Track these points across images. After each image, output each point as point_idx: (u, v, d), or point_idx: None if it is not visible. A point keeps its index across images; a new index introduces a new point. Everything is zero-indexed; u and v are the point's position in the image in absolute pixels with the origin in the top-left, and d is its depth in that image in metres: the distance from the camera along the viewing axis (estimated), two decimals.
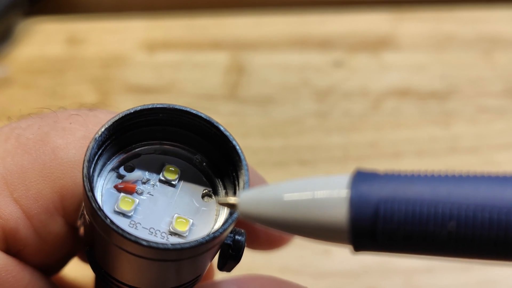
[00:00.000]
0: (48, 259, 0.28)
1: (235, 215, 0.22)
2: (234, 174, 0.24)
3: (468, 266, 0.45)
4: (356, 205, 0.20)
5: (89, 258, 0.26)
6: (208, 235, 0.22)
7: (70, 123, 0.27)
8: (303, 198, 0.21)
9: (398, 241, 0.20)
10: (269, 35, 0.59)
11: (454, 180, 0.20)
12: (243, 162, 0.24)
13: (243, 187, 0.23)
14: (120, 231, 0.21)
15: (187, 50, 0.58)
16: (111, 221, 0.21)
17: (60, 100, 0.53)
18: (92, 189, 0.22)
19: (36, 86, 0.54)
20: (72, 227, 0.27)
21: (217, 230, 0.22)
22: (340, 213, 0.20)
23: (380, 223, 0.20)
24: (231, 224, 0.22)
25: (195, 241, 0.21)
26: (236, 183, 0.24)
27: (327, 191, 0.21)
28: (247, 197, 0.21)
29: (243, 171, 0.23)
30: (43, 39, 0.57)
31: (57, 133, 0.26)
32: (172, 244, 0.21)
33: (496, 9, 0.62)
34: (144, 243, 0.21)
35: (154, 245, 0.21)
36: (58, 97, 0.53)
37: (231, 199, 0.22)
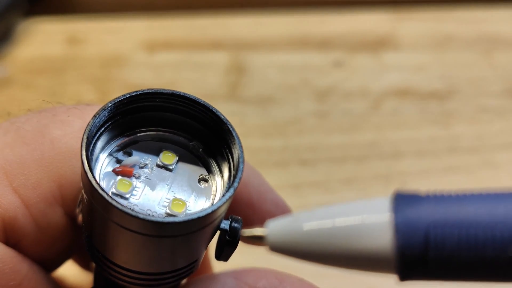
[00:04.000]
0: (47, 251, 0.28)
1: (230, 193, 0.23)
2: (230, 157, 0.25)
3: None
4: (403, 230, 0.18)
5: (87, 245, 0.26)
6: (203, 210, 0.22)
7: (68, 116, 0.27)
8: (341, 225, 0.19)
9: (452, 268, 0.18)
10: (269, 35, 0.59)
11: (510, 198, 0.18)
12: (237, 140, 0.24)
13: (237, 165, 0.24)
14: (118, 205, 0.21)
15: (187, 50, 0.58)
16: (109, 195, 0.22)
17: (60, 100, 0.53)
18: (90, 166, 0.22)
19: (36, 86, 0.54)
20: (71, 219, 0.28)
21: (212, 206, 0.22)
22: (384, 240, 0.18)
23: (432, 249, 0.18)
24: (226, 201, 0.23)
25: (191, 215, 0.22)
26: (232, 166, 0.25)
27: (367, 216, 0.19)
28: (276, 228, 0.19)
29: (238, 152, 0.24)
30: (43, 39, 0.57)
31: (55, 125, 0.27)
32: (168, 217, 0.22)
33: (496, 9, 0.62)
34: (141, 216, 0.21)
35: (151, 218, 0.21)
36: (58, 97, 0.53)
37: (258, 231, 0.20)
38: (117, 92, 0.54)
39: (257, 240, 0.20)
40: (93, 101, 0.53)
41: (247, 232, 0.21)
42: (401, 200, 0.19)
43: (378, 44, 0.59)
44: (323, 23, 0.60)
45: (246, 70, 0.56)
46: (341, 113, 0.54)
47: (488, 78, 0.56)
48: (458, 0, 0.62)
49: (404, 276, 0.18)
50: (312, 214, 0.20)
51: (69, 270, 0.33)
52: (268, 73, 0.56)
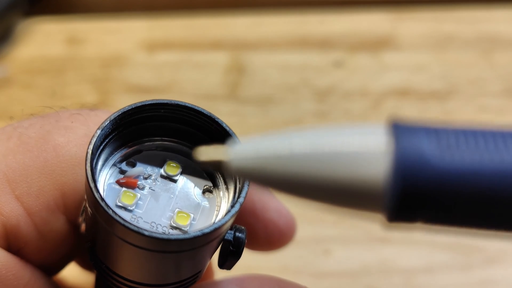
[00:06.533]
0: (49, 257, 0.28)
1: (236, 208, 0.23)
2: None
3: (468, 266, 0.45)
4: (404, 162, 0.15)
5: (90, 254, 0.26)
6: (208, 227, 0.22)
7: (72, 122, 0.27)
8: (323, 151, 0.16)
9: (453, 213, 0.15)
10: (269, 35, 0.59)
11: None
12: None
13: (244, 181, 0.23)
14: (122, 221, 0.21)
15: (187, 50, 0.58)
16: (113, 211, 0.21)
17: (60, 100, 0.53)
18: (94, 180, 0.22)
19: (36, 86, 0.54)
20: (73, 226, 0.27)
21: (217, 222, 0.22)
22: (378, 171, 0.15)
23: (434, 188, 0.15)
24: (231, 216, 0.22)
25: (196, 231, 0.22)
26: (238, 178, 0.24)
27: (359, 142, 0.15)
28: (243, 151, 0.16)
29: None
30: (43, 39, 0.57)
31: (59, 132, 0.26)
32: (173, 235, 0.22)
33: (496, 9, 0.62)
34: (146, 233, 0.21)
35: (156, 235, 0.21)
36: (58, 97, 0.53)
37: (218, 153, 0.16)
38: (117, 92, 0.54)
39: (217, 165, 0.16)
40: (93, 102, 0.53)
41: (204, 155, 0.17)
42: (401, 130, 0.16)
43: (378, 44, 0.59)
44: (323, 23, 0.60)
45: (246, 70, 0.56)
46: (341, 113, 0.54)
47: (488, 78, 0.56)
48: (458, 0, 0.62)
49: (394, 215, 0.15)
50: (288, 136, 0.16)
51: (70, 271, 0.33)
52: (268, 73, 0.56)
